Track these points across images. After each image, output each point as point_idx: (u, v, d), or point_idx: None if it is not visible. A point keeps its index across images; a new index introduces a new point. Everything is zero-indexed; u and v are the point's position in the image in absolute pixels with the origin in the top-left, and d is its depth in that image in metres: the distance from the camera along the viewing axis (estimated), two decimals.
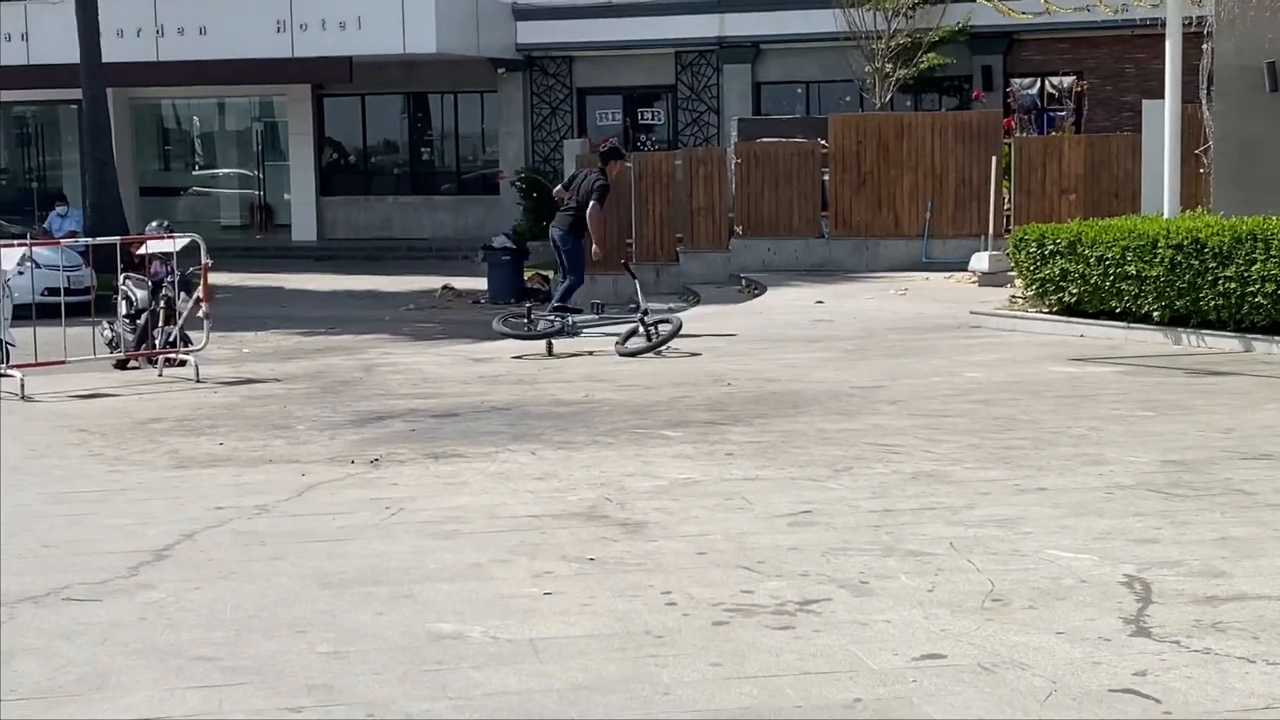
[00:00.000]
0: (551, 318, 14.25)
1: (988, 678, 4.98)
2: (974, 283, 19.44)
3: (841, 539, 6.82)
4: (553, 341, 14.13)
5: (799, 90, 32.21)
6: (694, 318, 18.29)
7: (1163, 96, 15.26)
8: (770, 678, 5.03)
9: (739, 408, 10.67)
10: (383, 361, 14.40)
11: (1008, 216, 21.48)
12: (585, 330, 14.24)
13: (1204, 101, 16.66)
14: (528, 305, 14.42)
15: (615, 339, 14.19)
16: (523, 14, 32.62)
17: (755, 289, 20.63)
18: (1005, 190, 21.76)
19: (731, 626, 5.57)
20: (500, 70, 33.05)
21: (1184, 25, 15.12)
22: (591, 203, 16.40)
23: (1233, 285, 12.75)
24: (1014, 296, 16.25)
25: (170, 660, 5.32)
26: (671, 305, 20.40)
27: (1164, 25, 15.08)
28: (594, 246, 16.54)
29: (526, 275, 25.40)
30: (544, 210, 31.43)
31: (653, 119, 33.65)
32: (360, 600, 6.01)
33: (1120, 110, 29.01)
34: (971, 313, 15.89)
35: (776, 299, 19.12)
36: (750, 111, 31.10)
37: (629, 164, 17.83)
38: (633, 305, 14.60)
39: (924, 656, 5.21)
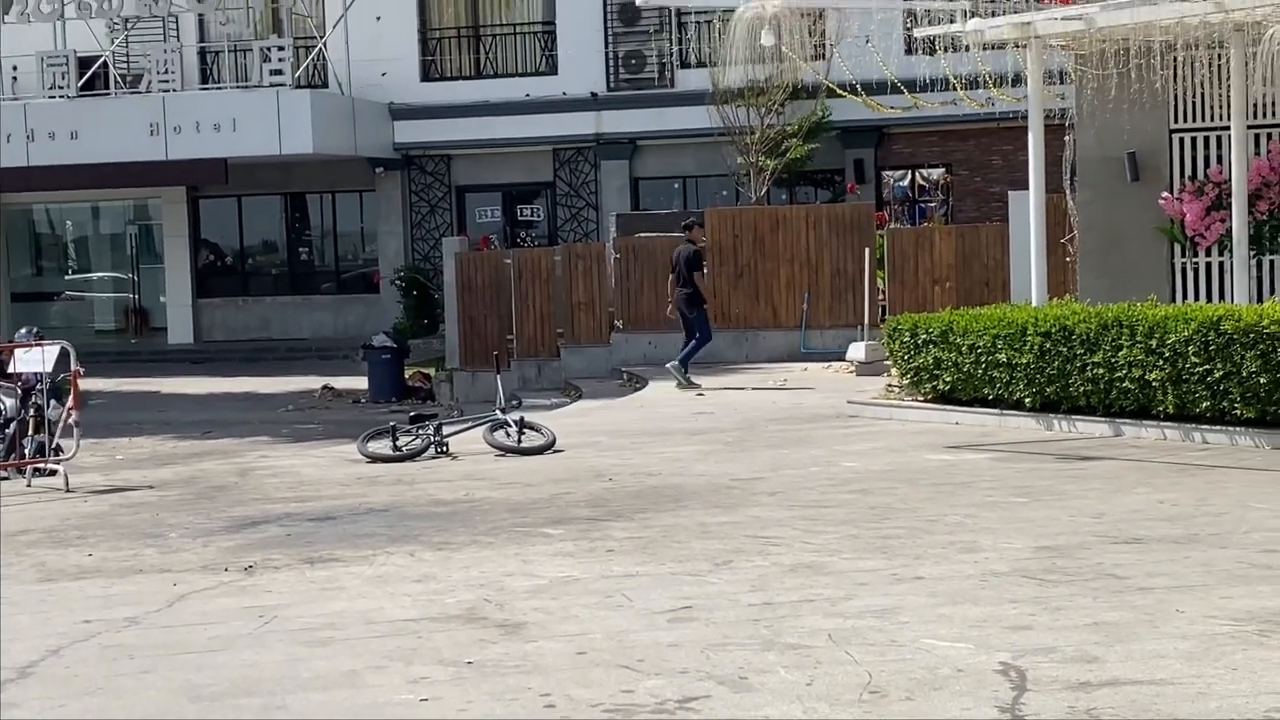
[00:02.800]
0: (416, 436, 14.00)
1: None
2: (851, 372, 19.65)
3: (721, 634, 6.80)
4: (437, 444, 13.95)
5: (676, 185, 32.53)
6: (575, 412, 18.30)
7: (1028, 187, 15.61)
8: None
9: (620, 503, 10.64)
10: (259, 465, 14.21)
11: (883, 306, 21.78)
12: (454, 437, 14.11)
13: (1068, 191, 17.06)
14: (391, 424, 14.19)
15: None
16: (400, 114, 32.67)
17: (637, 383, 20.68)
18: (880, 280, 22.09)
19: None
20: (378, 170, 33.01)
21: (1046, 118, 15.50)
22: (695, 274, 19.42)
23: (1100, 371, 13.00)
24: (890, 385, 16.44)
25: None
26: (553, 400, 20.41)
27: (1027, 118, 15.45)
28: (678, 308, 19.58)
29: (408, 373, 25.31)
30: (424, 308, 31.46)
31: (532, 215, 33.77)
32: (231, 714, 5.87)
33: (989, 200, 29.63)
34: (849, 402, 16.04)
35: (658, 392, 19.17)
36: (629, 206, 31.33)
37: (695, 230, 20.17)
38: (500, 404, 14.53)
39: None
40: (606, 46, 31.94)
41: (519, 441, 13.78)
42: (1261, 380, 11.85)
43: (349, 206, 34.62)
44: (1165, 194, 15.48)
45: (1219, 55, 14.85)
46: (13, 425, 14.16)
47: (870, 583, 7.76)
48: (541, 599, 7.68)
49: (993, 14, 15.42)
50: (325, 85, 32.37)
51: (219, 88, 32.92)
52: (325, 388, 25.53)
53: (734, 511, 10.10)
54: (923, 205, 31.00)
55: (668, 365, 19.23)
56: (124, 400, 24.69)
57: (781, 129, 29.28)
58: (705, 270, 20.09)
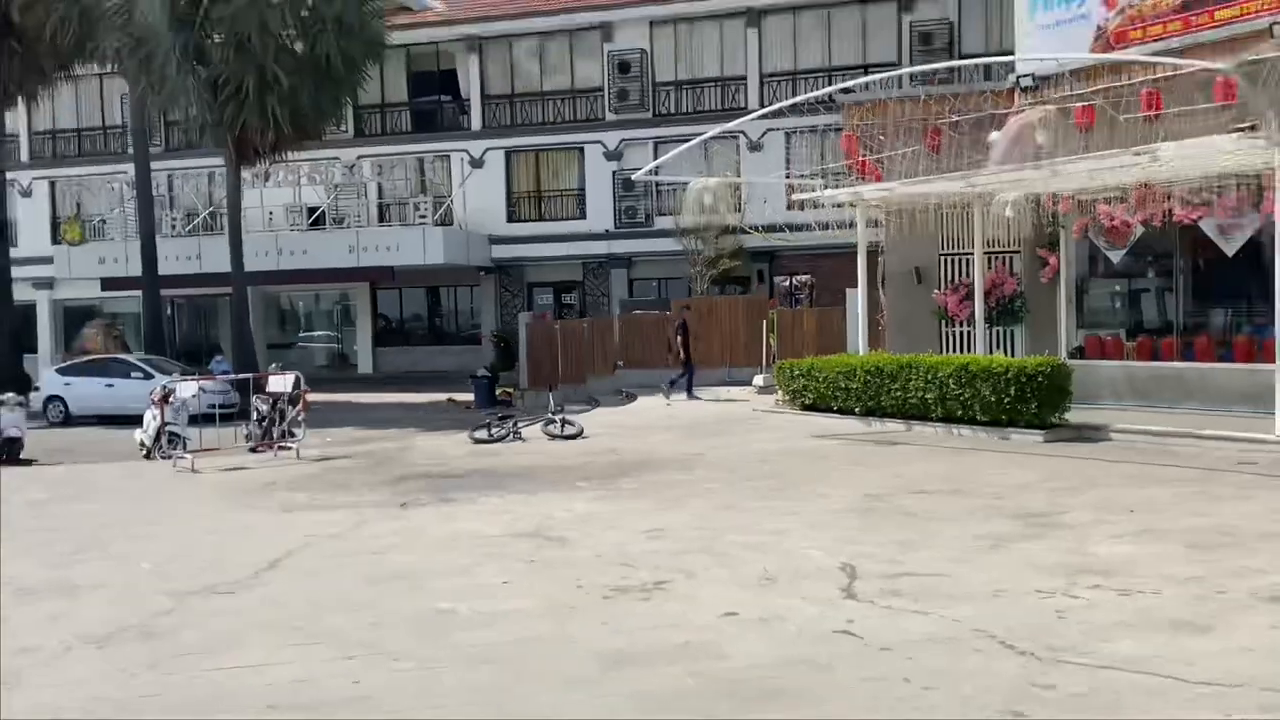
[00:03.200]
0: (502, 428, 13.93)
1: (762, 626, 4.94)
2: (756, 392, 19.59)
3: (679, 546, 6.76)
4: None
5: (654, 283, 32.50)
6: (593, 415, 18.23)
7: (858, 287, 15.62)
8: (635, 630, 4.94)
9: (625, 468, 10.57)
10: (411, 444, 14.14)
11: (773, 355, 21.73)
12: (525, 430, 14.04)
13: (881, 289, 17.06)
14: (487, 421, 14.08)
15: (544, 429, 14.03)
16: (495, 240, 32.56)
17: (630, 398, 20.59)
18: (771, 340, 22.06)
19: (614, 600, 5.48)
20: (481, 272, 32.93)
21: (870, 247, 15.52)
22: (678, 336, 19.21)
23: (899, 392, 12.96)
24: (778, 400, 16.39)
25: (275, 631, 5.10)
26: (582, 407, 20.31)
27: (857, 246, 15.49)
28: (680, 351, 18.93)
29: (498, 391, 25.16)
30: (508, 353, 31.25)
31: (570, 300, 33.70)
32: (391, 591, 5.83)
33: (837, 294, 29.37)
34: (754, 410, 15.99)
35: (643, 403, 19.06)
36: (627, 296, 31.27)
37: (687, 310, 20.19)
38: (551, 410, 14.48)
39: (725, 614, 5.16)
40: (614, 203, 31.90)
41: (563, 431, 13.71)
42: (991, 399, 11.84)
43: (464, 295, 34.52)
44: (937, 291, 15.48)
45: (967, 209, 14.90)
46: (267, 420, 14.10)
47: (767, 516, 7.73)
48: (576, 525, 7.64)
49: (837, 186, 15.49)
50: (451, 223, 32.34)
51: (388, 225, 32.86)
52: (450, 399, 25.33)
53: (689, 472, 10.06)
54: (797, 297, 30.95)
55: (661, 383, 19.28)
56: (332, 406, 24.50)
57: (717, 251, 29.28)
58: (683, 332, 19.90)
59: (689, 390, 18.94)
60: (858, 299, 15.51)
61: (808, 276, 30.84)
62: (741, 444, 12.44)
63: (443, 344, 34.62)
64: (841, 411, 14.01)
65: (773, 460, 10.82)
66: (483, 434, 13.80)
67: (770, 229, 21.59)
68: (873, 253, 16.25)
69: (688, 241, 29.27)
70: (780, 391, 15.91)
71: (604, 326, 23.18)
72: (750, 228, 21.66)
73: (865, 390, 13.46)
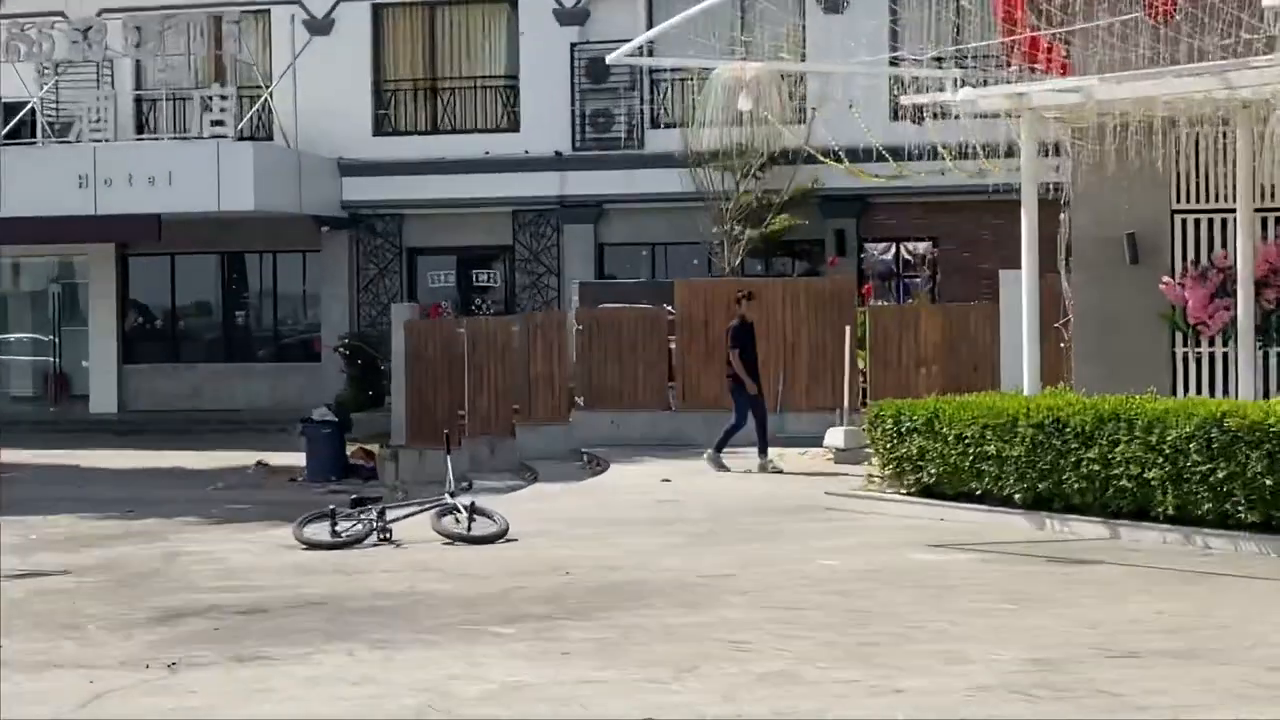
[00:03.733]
0: (357, 520, 13.88)
1: None
2: (830, 459, 19.63)
3: None
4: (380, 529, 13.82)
5: (644, 252, 32.62)
6: (530, 497, 18.21)
7: (1020, 266, 15.69)
8: None
9: (578, 600, 10.57)
10: (186, 549, 14.07)
11: (864, 389, 21.82)
12: (398, 522, 14.00)
13: (1063, 271, 17.14)
14: (330, 509, 14.06)
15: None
16: (349, 170, 32.68)
17: (597, 465, 20.62)
18: (861, 361, 22.14)
19: None
20: (324, 228, 32.99)
21: (1041, 193, 15.61)
22: (731, 353, 19.40)
23: (1096, 467, 13.02)
24: (871, 475, 16.44)
25: None
26: (507, 483, 20.31)
27: (1020, 192, 15.54)
28: (748, 383, 19.29)
29: (349, 450, 25.16)
30: (369, 379, 31.34)
31: (489, 281, 33.79)
32: None
33: (978, 278, 29.74)
34: (826, 493, 16.03)
35: (620, 477, 19.12)
36: (593, 274, 31.40)
37: (747, 300, 19.97)
38: (450, 487, 14.43)
39: None
40: (573, 104, 32.10)
41: (469, 529, 13.68)
42: (1267, 482, 11.89)
43: (291, 268, 34.55)
44: (1166, 278, 15.60)
45: (1224, 134, 15.00)
46: None
47: (848, 695, 7.71)
48: (491, 706, 7.60)
49: (984, 83, 15.56)
50: (270, 138, 32.41)
51: (155, 138, 32.94)
52: (259, 464, 25.34)
53: (701, 611, 10.04)
54: (907, 281, 31.17)
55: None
56: (40, 474, 24.46)
57: (760, 196, 29.41)
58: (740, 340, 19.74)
59: (719, 446, 19.27)
60: (1020, 289, 15.61)
61: (926, 245, 31.16)
62: (802, 557, 12.45)
63: (247, 359, 34.72)
64: (988, 499, 14.07)
65: (859, 590, 10.82)
66: (321, 531, 13.78)
67: (857, 157, 21.58)
68: (1049, 205, 16.34)
69: (707, 177, 29.48)
70: (876, 459, 15.95)
71: (550, 331, 23.28)
72: (823, 154, 21.67)
73: (1033, 461, 13.55)
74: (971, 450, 14.08)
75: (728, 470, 18.87)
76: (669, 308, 23.12)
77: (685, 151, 29.09)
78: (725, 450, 19.26)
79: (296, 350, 34.53)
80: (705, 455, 19.22)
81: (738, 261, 29.44)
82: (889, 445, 15.19)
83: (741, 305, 19.73)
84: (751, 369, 19.36)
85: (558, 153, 31.95)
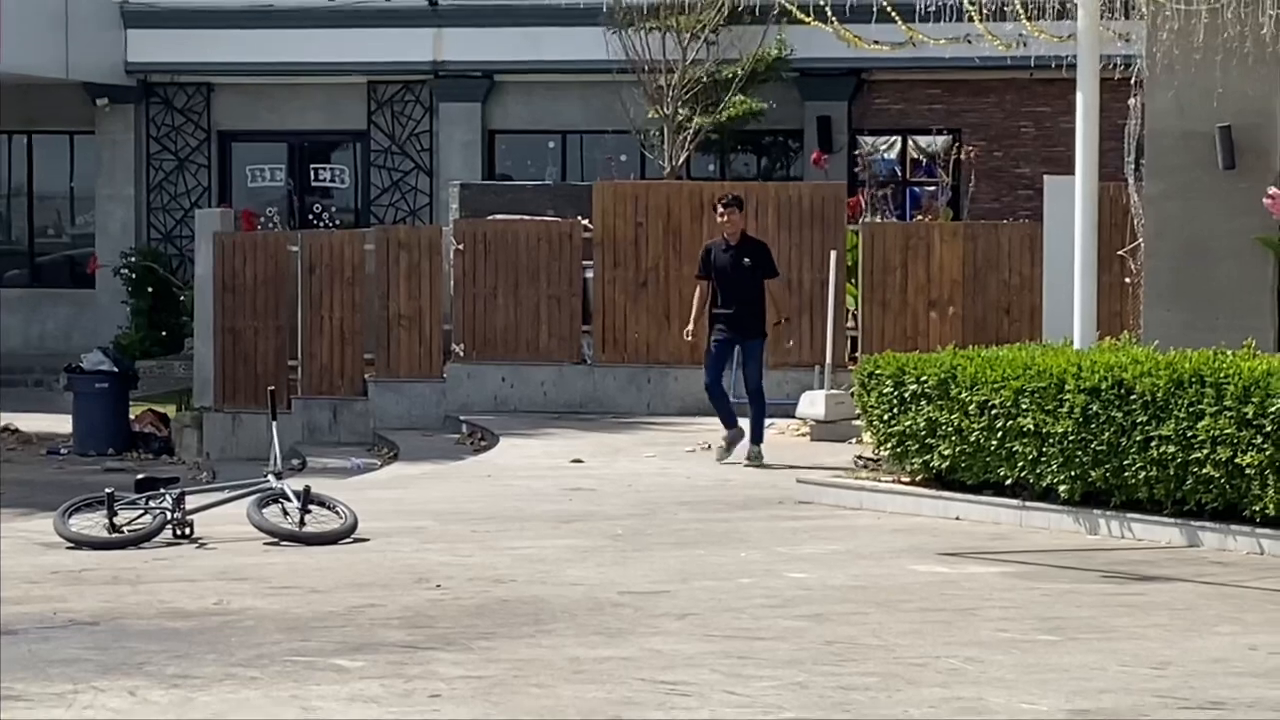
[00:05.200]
0: (145, 509, 13.84)
1: None
2: (804, 435, 19.71)
3: None
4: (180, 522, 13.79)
5: (551, 144, 32.60)
6: (388, 482, 18.20)
7: (1072, 171, 15.75)
8: None
9: (452, 623, 10.57)
10: None
11: (853, 339, 21.91)
12: (203, 513, 13.95)
13: (1131, 180, 17.26)
14: (108, 491, 13.98)
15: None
16: (136, 19, 32.41)
17: (481, 439, 20.63)
18: (850, 300, 22.21)
19: None
20: (102, 102, 32.72)
21: (1105, 69, 15.67)
22: (707, 279, 18.84)
23: (1171, 449, 13.10)
24: (860, 457, 16.50)
25: None
26: (356, 461, 20.30)
27: (1074, 68, 15.60)
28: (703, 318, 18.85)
29: (135, 413, 25.05)
30: (164, 313, 31.16)
31: (333, 180, 33.70)
32: None
33: (1015, 187, 30.00)
34: (799, 481, 16.07)
35: (514, 455, 19.13)
36: (480, 174, 31.36)
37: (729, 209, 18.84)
38: (275, 465, 14.40)
39: None
40: None
41: (301, 524, 13.64)
42: None
43: (53, 156, 34.30)
44: (1273, 189, 15.72)
45: None
46: None
47: None
48: None
49: None
50: None
51: None
52: (6, 429, 25.19)
53: (623, 641, 10.06)
54: (917, 189, 31.27)
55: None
56: None
57: (714, 68, 29.39)
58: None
59: (757, 436, 18.67)
60: (1072, 203, 15.68)
61: (945, 139, 31.23)
62: (764, 568, 12.51)
63: None
64: (1022, 491, 14.19)
65: (842, 614, 10.89)
66: (94, 524, 13.76)
67: (849, 16, 21.55)
68: (1115, 86, 16.42)
69: (640, 40, 29.40)
70: (868, 434, 16.01)
71: (418, 253, 23.21)
72: (800, 9, 21.66)
73: (1085, 441, 13.65)
74: (1000, 424, 14.13)
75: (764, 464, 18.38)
76: (585, 221, 23.08)
77: (610, 3, 29.01)
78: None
79: (60, 272, 34.33)
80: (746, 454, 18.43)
81: (682, 159, 29.44)
82: (886, 416, 15.23)
83: (722, 217, 19.05)
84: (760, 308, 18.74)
85: (432, 1, 31.81)
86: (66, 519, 13.76)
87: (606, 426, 20.76)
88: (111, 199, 33.29)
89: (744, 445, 18.34)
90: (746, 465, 18.06)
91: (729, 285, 18.46)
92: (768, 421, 18.89)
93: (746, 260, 18.43)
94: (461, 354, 22.89)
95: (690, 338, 19.10)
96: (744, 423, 18.36)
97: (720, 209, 18.92)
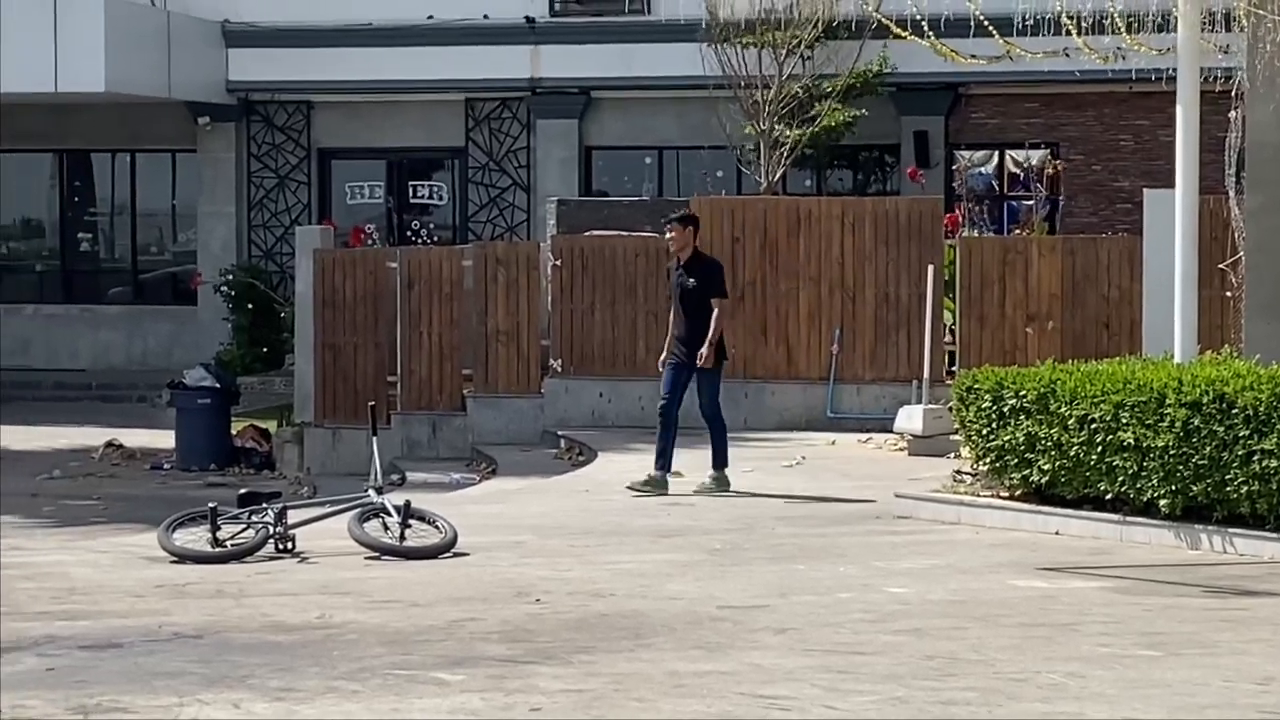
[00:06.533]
0: (248, 524, 13.93)
1: None
2: (902, 449, 19.65)
3: None
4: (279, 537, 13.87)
5: (648, 160, 32.61)
6: (487, 496, 18.25)
7: (1172, 184, 15.64)
8: None
9: (551, 637, 10.59)
10: (9, 561, 14.01)
11: (951, 354, 21.81)
12: (305, 527, 14.03)
13: (1232, 193, 17.13)
14: (211, 505, 14.07)
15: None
16: (237, 38, 32.61)
17: (580, 454, 20.64)
18: (947, 314, 22.13)
19: None
20: (203, 120, 32.93)
21: (1205, 81, 15.57)
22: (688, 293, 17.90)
23: (1274, 463, 12.98)
24: (959, 472, 16.44)
25: None
26: (455, 476, 20.36)
27: (1174, 81, 15.50)
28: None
29: (236, 428, 25.18)
30: (265, 330, 31.33)
31: (431, 197, 33.81)
32: None
33: (1113, 200, 29.82)
34: (898, 495, 16.03)
35: (612, 470, 19.14)
36: (577, 190, 31.39)
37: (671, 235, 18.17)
38: (375, 480, 14.46)
39: None
40: None
41: (402, 538, 13.72)
42: None
43: (156, 174, 34.54)
44: None
45: None
46: None
47: None
48: None
49: None
50: None
51: None
52: (111, 444, 25.36)
53: (723, 656, 10.06)
54: (1014, 203, 31.13)
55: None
56: None
57: (810, 83, 29.35)
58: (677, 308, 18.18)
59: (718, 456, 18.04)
60: (1173, 216, 15.58)
61: (1042, 154, 31.06)
62: (862, 583, 12.50)
63: (94, 300, 34.68)
64: (1122, 505, 14.11)
65: (941, 629, 10.87)
66: (197, 538, 13.86)
67: (947, 30, 21.47)
68: (1215, 100, 16.31)
69: (737, 56, 29.40)
70: (966, 450, 15.97)
71: (516, 268, 23.28)
72: (898, 25, 21.59)
73: (1186, 455, 13.57)
74: (1100, 439, 14.06)
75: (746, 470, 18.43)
76: (673, 233, 23.02)
77: (707, 20, 29.02)
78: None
79: (162, 289, 34.54)
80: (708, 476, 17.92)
81: (778, 174, 29.41)
82: (985, 431, 15.17)
83: (669, 234, 18.26)
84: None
85: (529, 19, 31.90)
86: (170, 533, 13.87)
87: (703, 441, 20.69)
88: (213, 216, 33.52)
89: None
90: (695, 493, 17.41)
91: (679, 306, 17.91)
92: (861, 436, 18.80)
93: (692, 281, 17.77)
94: (559, 369, 22.92)
95: (664, 367, 18.31)
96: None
97: (666, 227, 18.36)
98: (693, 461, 18.19)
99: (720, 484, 17.59)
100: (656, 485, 17.52)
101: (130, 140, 33.74)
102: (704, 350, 17.36)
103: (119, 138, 33.63)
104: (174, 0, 31.89)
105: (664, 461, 17.67)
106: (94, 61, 29.79)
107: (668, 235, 18.21)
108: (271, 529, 13.84)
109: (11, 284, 34.89)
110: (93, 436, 26.04)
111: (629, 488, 17.53)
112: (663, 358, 18.19)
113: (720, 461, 17.76)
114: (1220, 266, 17.83)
